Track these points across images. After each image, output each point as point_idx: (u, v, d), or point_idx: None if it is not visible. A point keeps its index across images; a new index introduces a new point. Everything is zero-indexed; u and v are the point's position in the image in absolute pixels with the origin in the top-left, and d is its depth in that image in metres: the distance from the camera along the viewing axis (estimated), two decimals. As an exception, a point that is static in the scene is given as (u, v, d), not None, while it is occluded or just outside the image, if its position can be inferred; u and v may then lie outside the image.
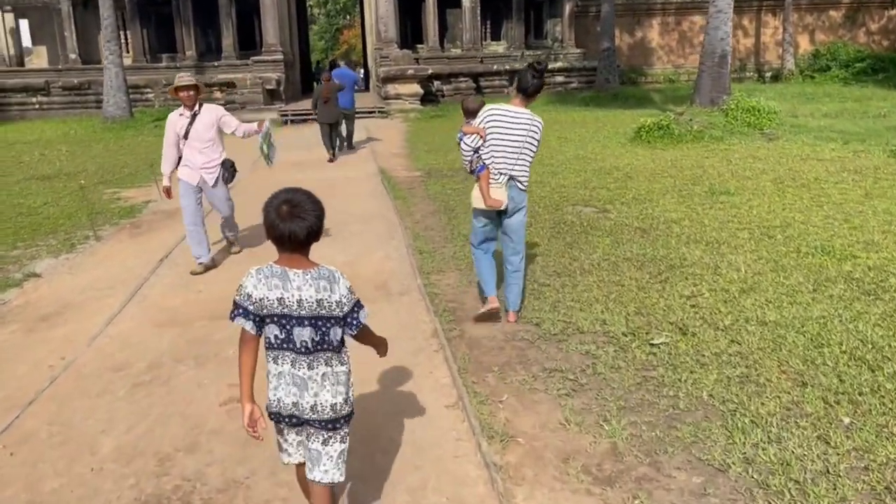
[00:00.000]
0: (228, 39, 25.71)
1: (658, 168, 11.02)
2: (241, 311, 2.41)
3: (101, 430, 3.62)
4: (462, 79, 25.43)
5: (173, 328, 5.12)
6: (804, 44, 30.32)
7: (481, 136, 4.67)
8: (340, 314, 2.43)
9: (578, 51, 27.76)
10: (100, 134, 19.88)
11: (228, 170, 6.72)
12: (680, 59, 31.01)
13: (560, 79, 27.07)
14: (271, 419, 2.53)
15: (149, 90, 25.39)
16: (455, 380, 4.03)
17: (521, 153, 4.69)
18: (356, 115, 16.15)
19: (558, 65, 27.02)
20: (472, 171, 4.83)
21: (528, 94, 4.68)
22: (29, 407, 3.89)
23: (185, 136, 6.44)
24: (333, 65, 18.58)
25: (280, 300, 2.38)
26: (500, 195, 4.71)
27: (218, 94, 24.19)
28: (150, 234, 8.10)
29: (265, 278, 2.39)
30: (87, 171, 12.92)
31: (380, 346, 2.72)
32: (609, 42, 25.17)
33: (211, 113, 6.52)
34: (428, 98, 23.93)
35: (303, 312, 2.39)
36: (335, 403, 2.47)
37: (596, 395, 3.84)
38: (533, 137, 4.71)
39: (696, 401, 3.74)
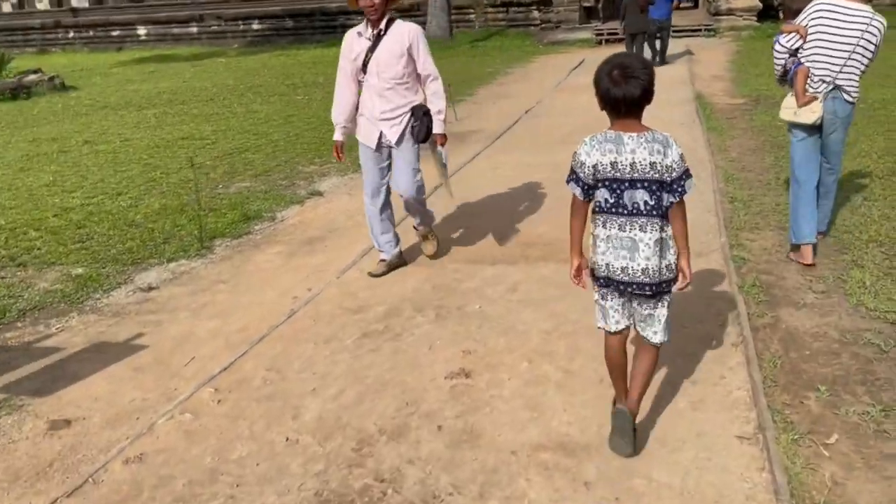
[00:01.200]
0: (549, -45, 24.73)
1: None
2: (573, 176, 2.51)
3: (312, 388, 3.17)
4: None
5: (424, 268, 4.58)
6: None
7: (801, 35, 4.08)
8: (669, 179, 2.43)
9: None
10: (421, 54, 20.53)
11: (422, 120, 4.26)
12: None
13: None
14: (597, 283, 2.58)
15: (470, 10, 25.64)
16: (756, 396, 2.85)
17: (850, 58, 4.01)
18: (674, 32, 15.28)
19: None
20: (783, 79, 4.32)
21: None
22: (256, 346, 3.60)
23: (364, 69, 4.23)
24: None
25: (613, 164, 2.42)
26: (810, 107, 4.09)
27: (535, 14, 23.59)
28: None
29: (598, 143, 2.45)
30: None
31: (684, 239, 2.53)
32: None
33: (402, 36, 4.17)
34: (767, 14, 20.65)
35: (635, 175, 2.42)
36: (665, 265, 2.50)
37: None
38: (869, 41, 3.99)
39: None
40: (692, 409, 2.86)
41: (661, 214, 2.45)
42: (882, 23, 3.99)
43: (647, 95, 2.43)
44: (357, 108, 4.37)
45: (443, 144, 4.43)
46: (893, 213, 4.88)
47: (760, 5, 19.92)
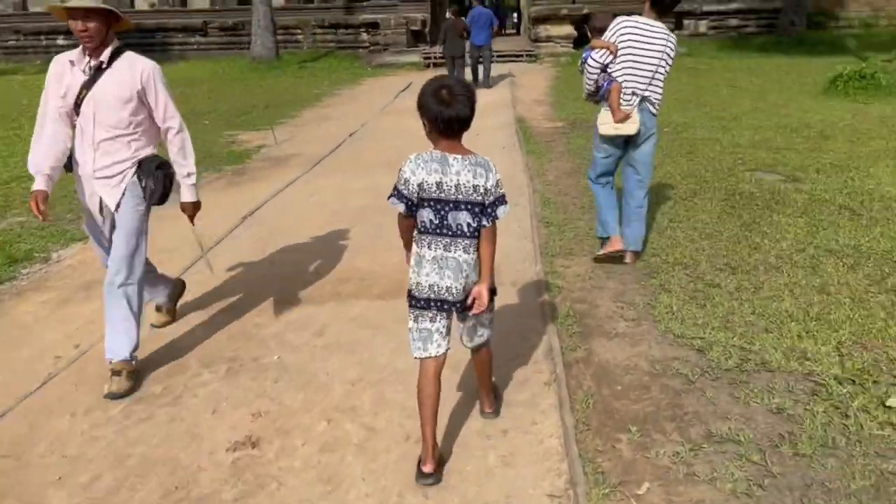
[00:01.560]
0: (378, -22, 24.78)
1: (862, 126, 8.79)
2: (396, 193, 2.47)
3: (57, 476, 2.60)
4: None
5: (221, 314, 4.09)
6: None
7: (611, 52, 4.23)
8: (485, 202, 2.48)
9: (759, -10, 24.38)
10: (245, 74, 19.70)
11: (154, 177, 3.34)
12: (881, 0, 26.61)
13: (734, 21, 23.92)
14: (416, 306, 2.54)
15: (298, 31, 25.06)
16: (568, 444, 2.66)
17: (656, 71, 4.26)
18: (498, 58, 16.27)
19: (733, 6, 23.87)
20: (596, 93, 4.41)
21: (664, 7, 4.26)
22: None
23: (76, 110, 3.24)
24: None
25: (439, 184, 2.43)
26: (630, 118, 4.26)
27: (364, 36, 23.47)
28: (249, 185, 7.19)
29: (424, 162, 2.44)
30: (217, 112, 12.43)
31: (489, 264, 2.56)
32: (799, -23, 21.75)
33: (132, 75, 3.24)
34: (583, 41, 21.86)
35: (460, 197, 2.45)
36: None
37: (799, 502, 2.35)
38: (669, 55, 4.28)
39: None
40: (503, 464, 2.61)
41: (479, 236, 2.52)
42: (675, 39, 4.33)
43: (472, 116, 2.48)
44: (71, 155, 3.31)
45: (193, 216, 3.60)
46: (696, 234, 5.03)
47: (576, 33, 21.03)
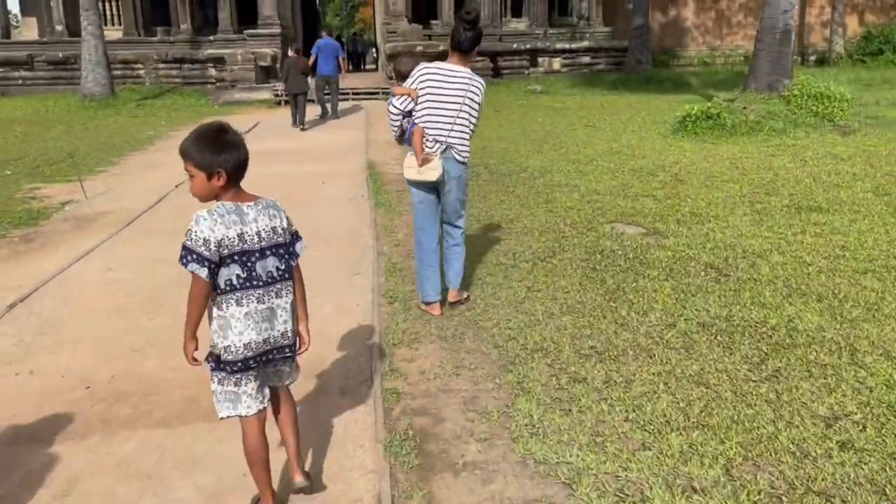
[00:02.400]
0: (225, 12, 23.50)
1: (714, 169, 8.72)
2: (194, 256, 2.24)
3: None
4: (478, 58, 23.05)
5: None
6: (853, 25, 27.53)
7: (412, 98, 4.16)
8: (286, 241, 2.45)
9: (606, 29, 25.32)
10: (74, 113, 17.84)
11: None
12: (716, 40, 28.42)
13: (586, 59, 24.63)
14: (233, 372, 2.37)
15: (139, 66, 23.27)
16: None
17: (457, 117, 4.17)
18: (354, 95, 17.13)
19: (584, 44, 24.59)
20: (401, 137, 4.35)
21: (464, 51, 4.17)
22: None
23: None
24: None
25: (240, 236, 2.32)
26: (431, 165, 4.15)
27: (212, 72, 22.09)
28: (36, 255, 5.94)
29: (221, 217, 2.28)
30: (26, 158, 10.84)
31: (303, 305, 2.59)
32: (642, 19, 22.67)
33: None
34: (440, 78, 21.60)
35: (263, 244, 2.38)
36: (295, 328, 2.52)
37: None
38: (473, 99, 4.19)
39: None
40: None
41: (289, 277, 2.47)
42: (481, 83, 4.22)
43: (247, 163, 2.38)
44: None
45: None
46: (557, 307, 4.41)
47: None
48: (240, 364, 2.35)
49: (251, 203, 2.37)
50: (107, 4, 24.41)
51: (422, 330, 4.17)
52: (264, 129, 14.36)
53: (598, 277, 4.94)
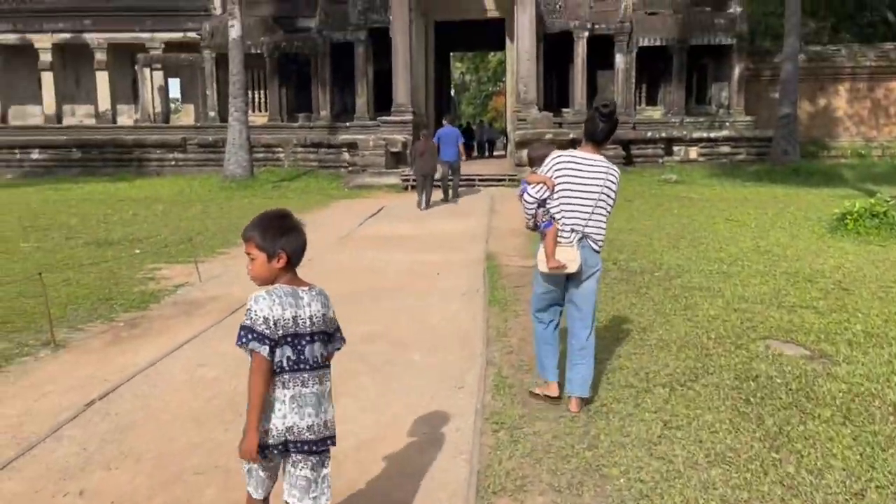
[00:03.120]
0: (363, 99, 24.44)
1: (887, 276, 7.49)
2: (255, 335, 2.31)
3: None
4: (610, 146, 22.42)
5: None
6: None
7: (548, 187, 4.09)
8: (329, 331, 2.48)
9: (748, 118, 24.09)
10: (214, 193, 18.69)
11: None
12: (872, 130, 26.39)
13: (726, 149, 23.44)
14: (271, 451, 2.38)
15: (280, 149, 24.45)
16: None
17: (595, 207, 4.10)
18: (480, 181, 18.14)
19: (724, 133, 23.47)
20: (535, 228, 4.30)
21: (598, 141, 4.12)
22: None
23: None
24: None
25: (294, 318, 2.37)
26: (569, 256, 4.07)
27: (346, 156, 22.77)
28: (133, 345, 5.72)
29: (279, 298, 2.36)
30: (157, 237, 11.15)
31: None
32: (790, 108, 21.34)
33: None
34: (569, 166, 21.10)
35: (313, 329, 2.41)
36: (333, 417, 2.50)
37: None
38: (610, 188, 4.12)
39: None
40: None
41: (329, 364, 2.50)
42: (617, 171, 4.14)
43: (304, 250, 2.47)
44: None
45: None
46: (702, 454, 3.53)
47: (562, 158, 20.28)
48: (280, 448, 2.36)
49: (305, 288, 2.43)
50: (256, 93, 26.00)
51: (530, 473, 3.41)
52: (388, 213, 14.28)
53: (754, 414, 4.01)
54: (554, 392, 4.24)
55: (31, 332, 5.87)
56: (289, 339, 2.35)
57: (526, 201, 4.16)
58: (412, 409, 4.21)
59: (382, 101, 24.18)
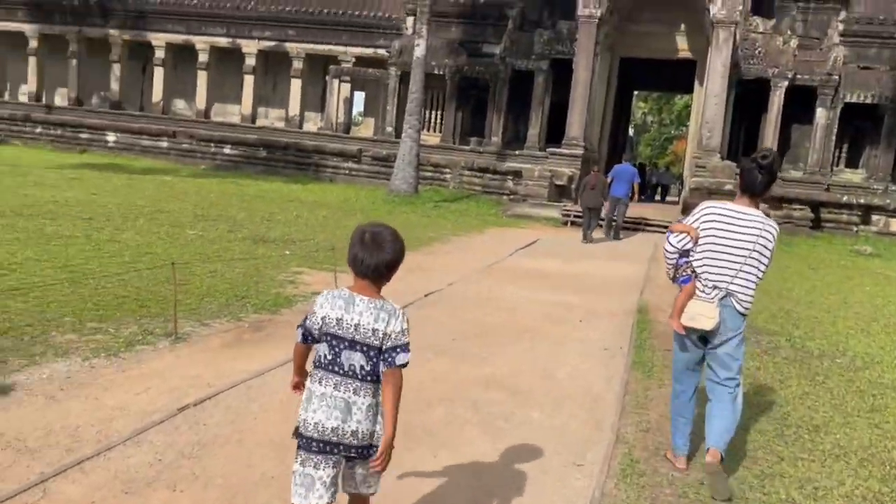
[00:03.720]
0: (535, 129, 24.08)
1: None
2: (302, 322, 2.56)
3: None
4: (797, 206, 20.48)
5: None
6: None
7: (691, 237, 3.82)
8: (382, 346, 2.46)
9: (972, 191, 21.03)
10: (377, 205, 19.03)
11: None
12: None
13: (943, 225, 20.61)
14: (302, 447, 2.49)
15: (447, 170, 24.66)
16: None
17: (745, 264, 3.76)
18: (647, 226, 17.22)
19: (937, 204, 20.64)
20: (674, 280, 4.00)
21: (755, 194, 3.81)
22: None
23: None
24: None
25: (339, 320, 2.46)
26: (706, 311, 3.74)
27: (509, 184, 22.49)
28: (254, 347, 5.56)
29: (332, 298, 2.50)
30: (309, 242, 11.31)
31: (391, 415, 2.45)
32: None
33: None
34: (747, 222, 19.42)
35: (357, 337, 2.45)
36: (373, 432, 2.50)
37: None
38: (765, 246, 3.77)
39: None
40: None
41: (377, 381, 2.47)
42: (775, 228, 3.87)
43: (387, 269, 2.50)
44: None
45: None
46: None
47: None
48: (308, 442, 2.44)
49: (367, 298, 2.47)
50: (433, 113, 26.45)
51: None
52: (541, 247, 13.70)
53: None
54: (682, 465, 3.99)
55: (161, 320, 5.89)
56: (328, 337, 2.46)
57: (666, 250, 3.96)
58: (515, 483, 3.61)
59: (555, 133, 23.68)
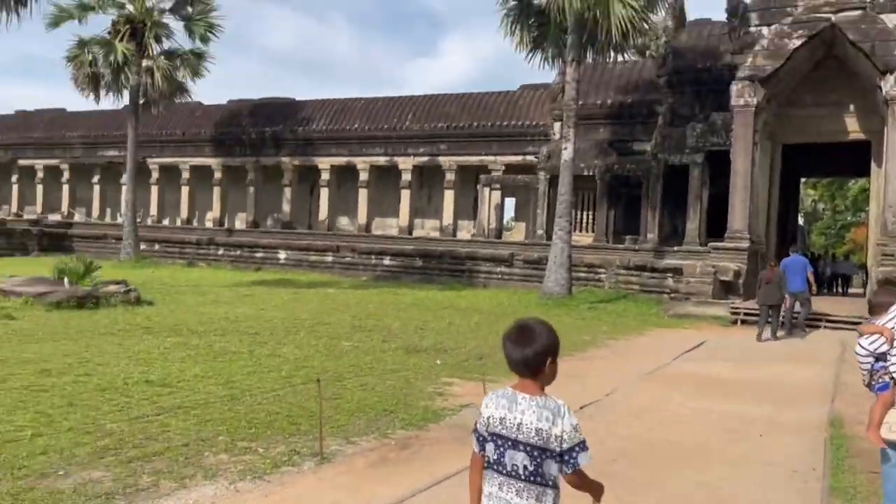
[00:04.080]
0: (694, 223, 23.06)
1: None
2: (475, 428, 2.58)
3: None
4: None
5: None
6: None
7: (887, 339, 3.59)
8: (558, 449, 2.44)
9: None
10: (530, 308, 18.74)
11: None
12: None
13: None
14: None
15: (601, 269, 24.06)
16: None
17: None
18: (828, 323, 16.31)
19: None
20: (869, 386, 3.80)
21: None
22: None
23: None
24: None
25: (502, 420, 2.48)
26: None
27: (669, 282, 21.45)
28: (398, 468, 5.32)
29: (497, 398, 2.54)
30: (460, 350, 11.15)
31: (597, 491, 2.57)
32: None
33: None
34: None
35: (520, 437, 2.44)
36: None
37: None
38: None
39: None
40: None
41: (541, 483, 2.44)
42: None
43: (538, 359, 2.48)
44: None
45: None
46: None
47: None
48: None
49: (529, 396, 2.47)
50: (584, 213, 26.22)
51: None
52: (708, 349, 12.69)
53: None
54: None
55: (309, 438, 5.84)
56: (494, 437, 2.49)
57: (858, 353, 3.79)
58: None
59: (715, 227, 22.51)
